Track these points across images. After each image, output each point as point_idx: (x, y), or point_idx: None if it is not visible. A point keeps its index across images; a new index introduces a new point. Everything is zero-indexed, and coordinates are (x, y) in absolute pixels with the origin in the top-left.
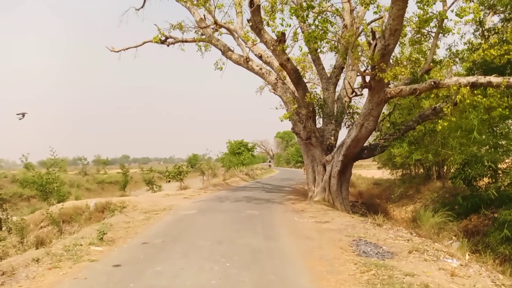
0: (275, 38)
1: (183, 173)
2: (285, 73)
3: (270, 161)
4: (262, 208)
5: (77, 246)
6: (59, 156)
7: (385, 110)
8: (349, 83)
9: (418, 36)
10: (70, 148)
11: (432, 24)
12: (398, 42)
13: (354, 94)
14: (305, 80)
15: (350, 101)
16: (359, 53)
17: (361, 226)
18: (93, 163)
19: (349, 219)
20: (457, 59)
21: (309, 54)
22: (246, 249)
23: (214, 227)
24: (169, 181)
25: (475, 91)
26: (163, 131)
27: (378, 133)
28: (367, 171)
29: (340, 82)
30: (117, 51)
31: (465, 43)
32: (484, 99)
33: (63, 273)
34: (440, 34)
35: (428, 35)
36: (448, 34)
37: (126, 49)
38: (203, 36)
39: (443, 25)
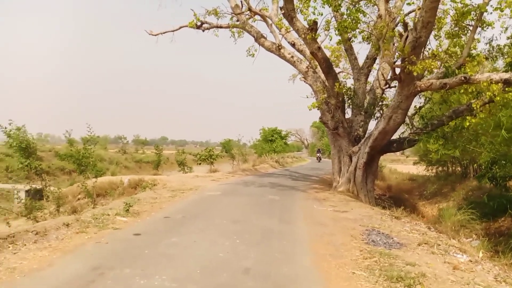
0: (307, 26)
1: (213, 157)
2: (316, 62)
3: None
4: (284, 194)
5: (104, 216)
6: (96, 133)
7: (417, 103)
8: (383, 75)
9: (456, 29)
10: (113, 126)
11: (471, 17)
12: (434, 35)
13: (387, 86)
14: (339, 70)
15: (382, 93)
16: (394, 45)
17: (378, 217)
18: (133, 142)
19: (368, 210)
20: (497, 54)
21: (342, 44)
22: (259, 229)
23: (234, 208)
24: (200, 164)
25: (507, 88)
26: (202, 115)
27: (407, 126)
28: (404, 166)
29: (374, 73)
30: (155, 35)
31: (508, 38)
32: None
33: (88, 237)
34: (479, 28)
35: (466, 28)
36: (488, 28)
37: (164, 33)
38: (237, 22)
39: (482, 18)
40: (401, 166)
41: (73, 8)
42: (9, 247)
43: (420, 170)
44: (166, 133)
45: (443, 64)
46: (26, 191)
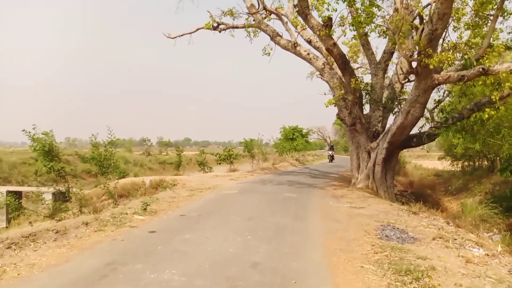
0: (321, 23)
1: (232, 156)
2: (332, 59)
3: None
4: (302, 192)
5: (122, 214)
6: (122, 136)
7: (437, 96)
8: (401, 69)
9: (476, 19)
10: (138, 129)
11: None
12: (453, 26)
13: (406, 80)
14: (357, 65)
15: (402, 87)
16: (412, 38)
17: (395, 213)
18: (157, 144)
19: (385, 206)
20: None
21: (358, 39)
22: (272, 226)
23: (249, 206)
24: (220, 163)
25: None
26: (223, 117)
27: (426, 121)
28: (430, 162)
29: (393, 67)
30: (173, 38)
31: None
32: None
33: (105, 235)
34: (500, 18)
35: (486, 18)
36: (509, 17)
37: (182, 35)
38: (253, 22)
39: (503, 7)
40: (427, 162)
41: (95, 11)
42: (30, 245)
43: (445, 165)
44: (190, 135)
45: (462, 56)
46: (53, 194)
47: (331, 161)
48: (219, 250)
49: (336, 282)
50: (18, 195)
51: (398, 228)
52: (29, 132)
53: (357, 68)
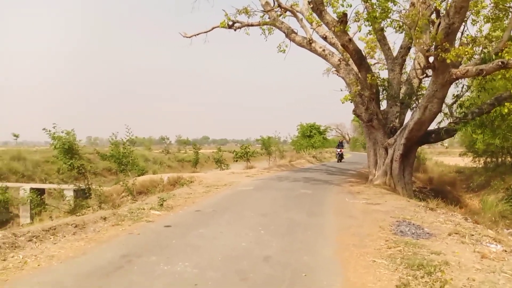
0: (336, 19)
1: (249, 154)
2: (348, 54)
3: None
4: (317, 188)
5: (139, 210)
6: (142, 135)
7: (456, 91)
8: (419, 64)
9: (496, 12)
10: (157, 128)
11: None
12: (472, 20)
13: (424, 75)
14: (374, 61)
15: (420, 83)
16: (430, 32)
17: (412, 209)
18: (176, 142)
19: (402, 203)
20: None
21: (374, 34)
22: (286, 222)
23: (264, 202)
24: (237, 161)
25: None
26: (241, 116)
27: (445, 116)
28: (452, 158)
29: (410, 63)
30: (189, 37)
31: None
32: None
33: (122, 229)
34: None
35: (507, 11)
36: None
37: (197, 34)
38: (268, 20)
39: None
40: (448, 159)
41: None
42: (50, 238)
43: (466, 162)
44: (208, 133)
45: (482, 50)
46: (74, 191)
47: (340, 161)
48: (231, 245)
49: (347, 276)
50: (41, 192)
51: (413, 224)
52: (49, 131)
53: (374, 64)
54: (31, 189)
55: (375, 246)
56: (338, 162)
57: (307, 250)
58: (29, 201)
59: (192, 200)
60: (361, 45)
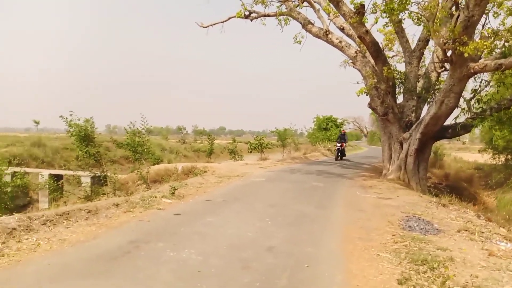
0: (353, 10)
1: (263, 145)
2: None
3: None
4: (329, 181)
5: (151, 198)
6: (160, 125)
7: (475, 86)
8: (437, 57)
9: None
10: (175, 117)
11: None
12: (493, 12)
13: (443, 69)
14: (393, 53)
15: (438, 76)
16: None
17: (423, 204)
18: (193, 133)
19: (414, 198)
20: None
21: (391, 26)
22: (293, 213)
23: (274, 193)
24: (251, 152)
25: None
26: (259, 107)
27: (463, 111)
28: (471, 154)
29: (429, 56)
30: (205, 27)
31: None
32: None
33: (133, 216)
34: None
35: None
36: None
37: (214, 24)
38: (285, 10)
39: None
40: (468, 155)
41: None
42: (63, 222)
43: (486, 158)
44: (225, 124)
45: (504, 44)
46: (91, 178)
47: (340, 158)
48: (237, 234)
49: (349, 268)
50: (59, 178)
51: (423, 220)
52: (66, 118)
53: (393, 56)
54: (50, 175)
55: (381, 240)
56: (336, 160)
57: (311, 242)
58: (47, 186)
59: (203, 190)
60: (380, 37)
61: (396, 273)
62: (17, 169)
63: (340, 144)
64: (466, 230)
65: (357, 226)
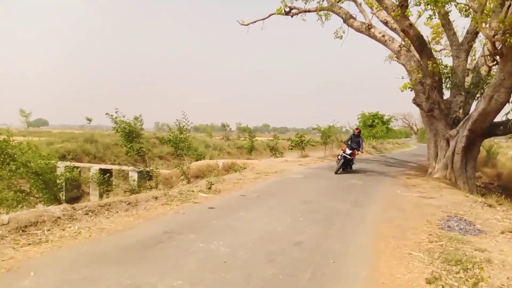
0: (396, 3)
1: (304, 142)
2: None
3: (352, 141)
4: (369, 179)
5: (189, 192)
6: (205, 122)
7: None
8: (488, 50)
9: None
10: (220, 115)
11: None
12: None
13: (495, 62)
14: (440, 47)
15: (489, 71)
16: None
17: (468, 204)
18: (237, 130)
19: (459, 198)
20: None
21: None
22: (327, 210)
23: (310, 190)
24: (291, 149)
25: None
26: (301, 104)
27: None
28: None
29: (480, 49)
30: (246, 25)
31: None
32: None
33: (169, 208)
34: None
35: None
36: None
37: (254, 22)
38: (325, 5)
39: None
40: None
41: None
42: (104, 213)
43: None
44: (269, 121)
45: None
46: (138, 172)
47: (343, 170)
48: (267, 228)
49: (376, 266)
50: (108, 172)
51: (465, 220)
52: (112, 115)
53: (440, 50)
54: (100, 169)
55: (415, 239)
56: (336, 173)
57: (341, 238)
58: (97, 180)
59: (240, 186)
60: (426, 31)
61: (426, 272)
62: (67, 163)
63: (351, 150)
64: (510, 232)
65: (393, 224)
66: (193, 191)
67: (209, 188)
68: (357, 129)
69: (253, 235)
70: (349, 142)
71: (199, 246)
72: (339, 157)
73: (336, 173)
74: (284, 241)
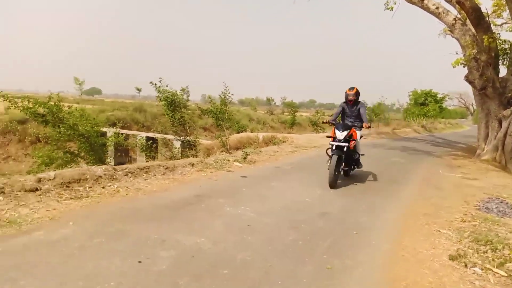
0: None
1: None
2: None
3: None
4: (412, 158)
5: (224, 160)
6: (250, 96)
7: None
8: None
9: None
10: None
11: None
12: None
13: None
14: (502, 20)
15: None
16: None
17: None
18: (282, 104)
19: (506, 181)
20: None
21: None
22: (360, 186)
23: None
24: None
25: None
26: (348, 79)
27: None
28: None
29: None
30: None
31: None
32: None
33: (204, 175)
34: None
35: None
36: None
37: None
38: None
39: None
40: None
41: None
42: (143, 175)
43: None
44: (316, 97)
45: None
46: (181, 141)
47: (345, 172)
48: (296, 199)
49: (400, 240)
50: (154, 141)
51: (506, 203)
52: (155, 84)
53: (502, 24)
54: (146, 137)
55: (448, 218)
56: (332, 187)
57: (369, 212)
58: (142, 147)
59: (275, 158)
60: (487, 3)
61: (452, 250)
62: (113, 130)
63: (345, 132)
64: None
65: (428, 203)
66: (228, 160)
67: (244, 158)
68: (351, 89)
69: (280, 203)
70: (339, 120)
71: (226, 210)
72: (329, 153)
73: (331, 186)
74: (310, 212)
